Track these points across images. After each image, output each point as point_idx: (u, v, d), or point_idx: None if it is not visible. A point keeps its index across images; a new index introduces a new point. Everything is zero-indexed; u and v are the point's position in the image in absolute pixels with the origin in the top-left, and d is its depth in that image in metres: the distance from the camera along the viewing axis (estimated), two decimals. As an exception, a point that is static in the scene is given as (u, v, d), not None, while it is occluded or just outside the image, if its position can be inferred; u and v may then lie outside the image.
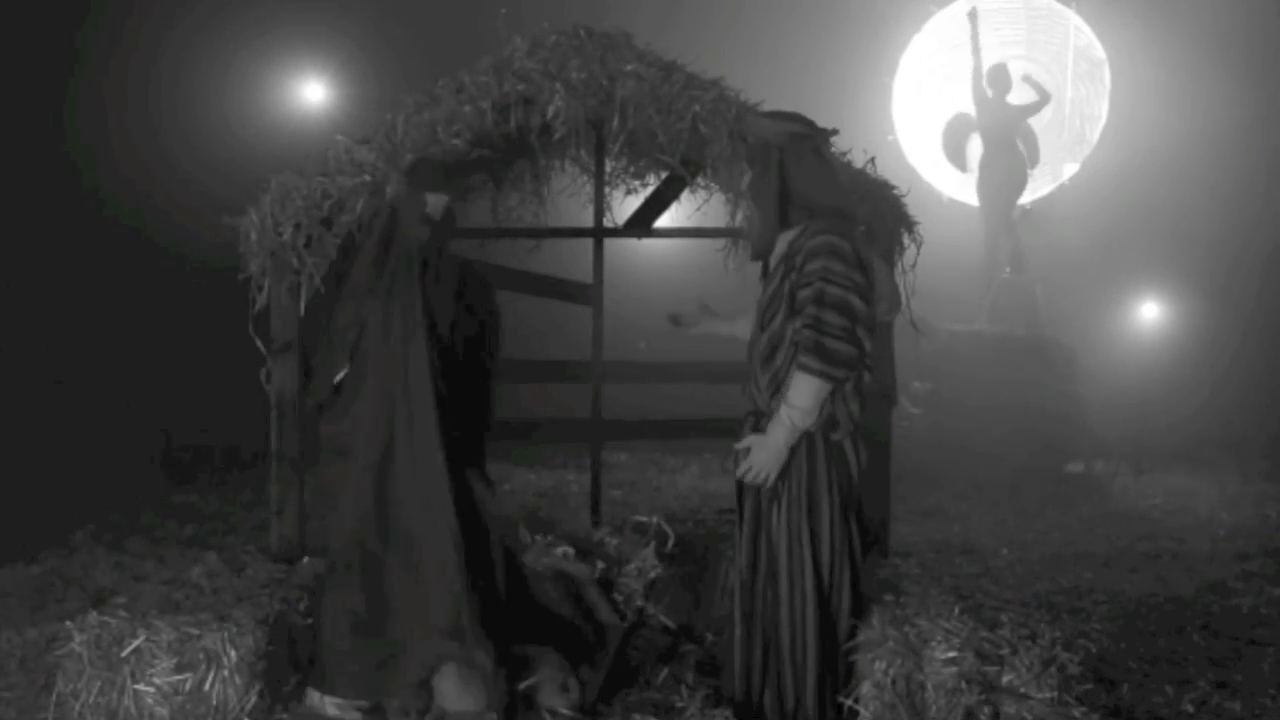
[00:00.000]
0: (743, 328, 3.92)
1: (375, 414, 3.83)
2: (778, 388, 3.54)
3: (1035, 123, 10.48)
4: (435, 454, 3.76)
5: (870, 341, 3.49)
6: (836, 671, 3.62)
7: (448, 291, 3.95)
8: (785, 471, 3.53)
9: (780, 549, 3.57)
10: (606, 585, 3.94)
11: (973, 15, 10.34)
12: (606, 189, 5.43)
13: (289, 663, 4.00)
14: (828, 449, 3.54)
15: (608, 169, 5.44)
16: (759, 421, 3.61)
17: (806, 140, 3.64)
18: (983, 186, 10.35)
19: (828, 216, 3.57)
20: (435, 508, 3.75)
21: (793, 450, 3.52)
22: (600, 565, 3.93)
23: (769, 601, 3.60)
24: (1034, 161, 10.49)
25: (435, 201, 4.02)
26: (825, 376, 3.42)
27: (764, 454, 3.51)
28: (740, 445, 3.58)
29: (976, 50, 10.27)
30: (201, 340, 8.04)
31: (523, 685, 3.77)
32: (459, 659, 3.65)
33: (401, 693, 3.69)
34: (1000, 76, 10.22)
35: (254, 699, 3.74)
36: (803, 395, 3.45)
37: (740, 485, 3.64)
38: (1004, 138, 10.21)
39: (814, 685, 3.58)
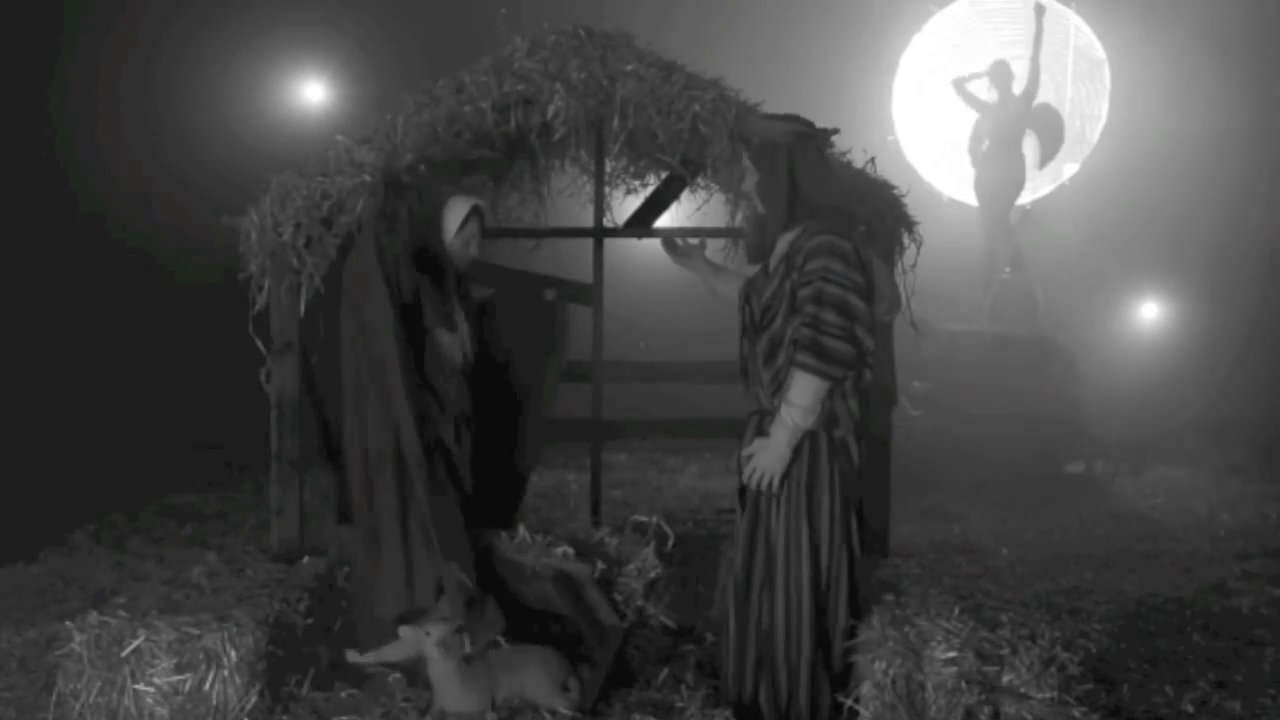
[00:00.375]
0: (725, 285, 3.93)
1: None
2: (779, 386, 3.54)
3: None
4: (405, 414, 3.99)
5: (871, 340, 3.49)
6: (831, 669, 3.63)
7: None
8: (786, 471, 3.54)
9: (778, 547, 3.58)
10: (606, 585, 3.94)
11: (1039, 10, 10.19)
12: (606, 189, 5.43)
13: (289, 663, 4.00)
14: (831, 446, 3.55)
15: (608, 169, 5.43)
16: (763, 420, 3.61)
17: (811, 140, 3.65)
18: (980, 185, 10.33)
19: (829, 216, 3.58)
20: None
21: (795, 450, 3.53)
22: (600, 565, 3.93)
23: (765, 599, 3.61)
24: (1054, 151, 10.40)
25: (462, 205, 4.20)
26: (823, 375, 3.43)
27: (767, 456, 3.52)
28: (745, 451, 3.59)
29: (1038, 49, 10.08)
30: (200, 339, 8.06)
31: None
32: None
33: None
34: (999, 73, 10.17)
35: (254, 699, 3.74)
36: (802, 394, 3.46)
37: (743, 485, 3.65)
38: (1013, 134, 10.16)
39: (807, 682, 3.58)
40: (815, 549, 3.58)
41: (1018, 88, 10.16)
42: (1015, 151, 10.18)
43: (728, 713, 3.71)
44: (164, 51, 9.67)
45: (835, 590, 3.62)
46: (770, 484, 3.53)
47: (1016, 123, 10.18)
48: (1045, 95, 10.47)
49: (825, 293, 3.44)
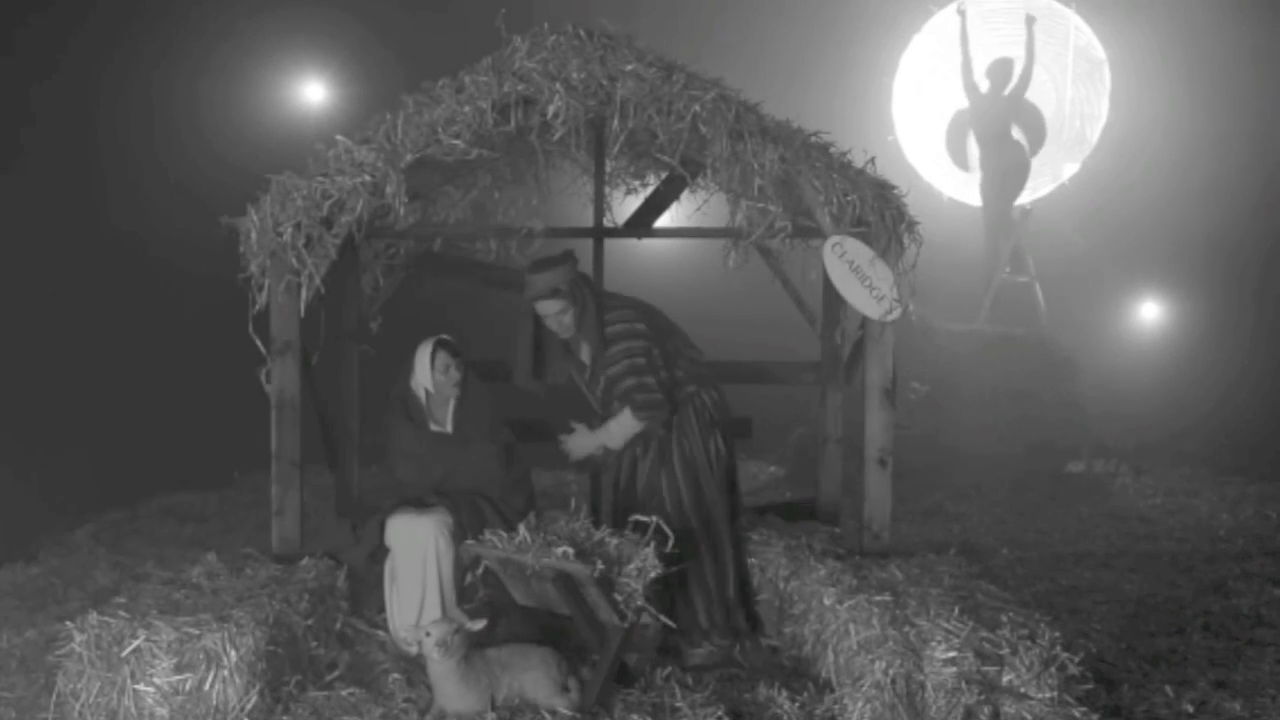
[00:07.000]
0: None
1: None
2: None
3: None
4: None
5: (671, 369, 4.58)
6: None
7: None
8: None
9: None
10: (606, 585, 3.94)
11: (962, 12, 10.36)
12: (606, 189, 5.43)
13: (289, 663, 4.01)
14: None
15: (608, 169, 5.43)
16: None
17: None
18: (985, 186, 10.33)
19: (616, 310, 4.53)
20: None
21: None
22: (600, 565, 3.93)
23: None
24: (1039, 144, 10.40)
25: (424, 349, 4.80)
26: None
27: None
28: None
29: (965, 47, 10.26)
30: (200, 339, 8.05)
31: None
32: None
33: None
34: (1001, 70, 10.17)
35: (254, 699, 3.74)
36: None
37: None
38: (999, 131, 10.17)
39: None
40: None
41: (1008, 89, 10.20)
42: (1007, 142, 10.20)
43: (721, 712, 3.77)
44: (163, 52, 9.66)
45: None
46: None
47: (1001, 120, 10.21)
48: (1045, 95, 10.48)
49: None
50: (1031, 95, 10.30)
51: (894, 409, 4.76)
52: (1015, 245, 10.24)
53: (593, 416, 4.81)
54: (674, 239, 6.15)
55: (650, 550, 4.05)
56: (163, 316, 8.93)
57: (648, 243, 5.75)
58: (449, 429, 4.83)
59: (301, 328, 4.60)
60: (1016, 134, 10.28)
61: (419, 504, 4.67)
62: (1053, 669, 3.59)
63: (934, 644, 3.62)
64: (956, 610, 3.82)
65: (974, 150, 10.53)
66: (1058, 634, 3.72)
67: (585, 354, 4.67)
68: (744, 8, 10.82)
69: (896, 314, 4.57)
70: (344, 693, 4.00)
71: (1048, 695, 3.56)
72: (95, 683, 3.69)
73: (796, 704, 3.91)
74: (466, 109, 4.43)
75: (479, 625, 3.90)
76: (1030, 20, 10.16)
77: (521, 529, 4.15)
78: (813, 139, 4.69)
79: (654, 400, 4.50)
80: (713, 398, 4.67)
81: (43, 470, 7.38)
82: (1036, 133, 10.37)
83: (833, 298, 5.29)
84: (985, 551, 6.43)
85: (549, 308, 4.53)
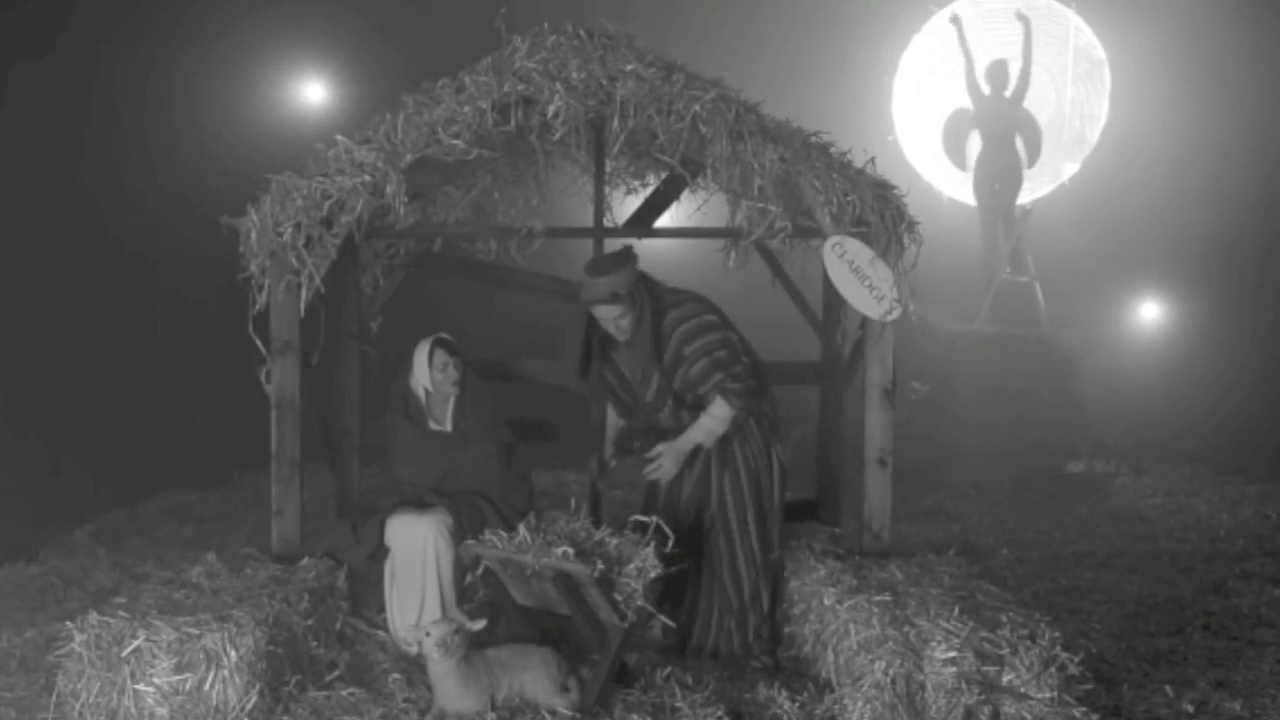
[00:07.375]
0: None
1: None
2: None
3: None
4: None
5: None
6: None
7: None
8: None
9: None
10: (606, 585, 3.94)
11: (955, 20, 10.42)
12: (606, 189, 5.43)
13: (289, 663, 4.01)
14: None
15: (608, 169, 5.43)
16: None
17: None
18: (978, 183, 10.36)
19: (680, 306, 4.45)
20: None
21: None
22: (600, 565, 3.93)
23: None
24: (1036, 154, 10.43)
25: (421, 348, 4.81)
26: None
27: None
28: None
29: (966, 50, 10.32)
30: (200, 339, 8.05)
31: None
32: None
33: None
34: (999, 73, 10.22)
35: (254, 699, 3.75)
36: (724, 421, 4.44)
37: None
38: (1003, 133, 10.21)
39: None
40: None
41: (1008, 90, 10.25)
42: (1008, 146, 10.24)
43: (721, 711, 3.77)
44: (162, 52, 9.66)
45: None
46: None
47: (1005, 121, 10.24)
48: (1045, 95, 10.50)
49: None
50: (1031, 95, 10.33)
51: (894, 409, 4.76)
52: (1015, 245, 10.25)
53: (631, 418, 4.70)
54: (674, 239, 6.14)
55: (650, 550, 4.05)
56: (162, 316, 8.93)
57: (648, 243, 5.71)
58: (448, 428, 4.83)
59: (301, 328, 4.60)
60: (1018, 143, 10.32)
61: (419, 504, 4.67)
62: (1053, 669, 3.60)
63: (934, 644, 3.63)
64: (956, 610, 3.82)
65: (973, 149, 10.56)
66: (1058, 634, 3.72)
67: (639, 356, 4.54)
68: (743, 7, 10.82)
69: (896, 314, 4.58)
70: (344, 693, 4.00)
71: (1048, 695, 3.56)
72: (95, 683, 3.69)
73: (796, 704, 3.91)
74: (466, 109, 4.44)
75: (479, 625, 3.90)
76: (1023, 19, 10.19)
77: (521, 529, 4.15)
78: (813, 139, 4.69)
79: (749, 388, 4.40)
80: (770, 402, 4.60)
81: (43, 470, 7.38)
82: (1033, 143, 10.39)
83: (833, 298, 5.29)
84: (985, 551, 6.43)
85: (607, 313, 4.39)
